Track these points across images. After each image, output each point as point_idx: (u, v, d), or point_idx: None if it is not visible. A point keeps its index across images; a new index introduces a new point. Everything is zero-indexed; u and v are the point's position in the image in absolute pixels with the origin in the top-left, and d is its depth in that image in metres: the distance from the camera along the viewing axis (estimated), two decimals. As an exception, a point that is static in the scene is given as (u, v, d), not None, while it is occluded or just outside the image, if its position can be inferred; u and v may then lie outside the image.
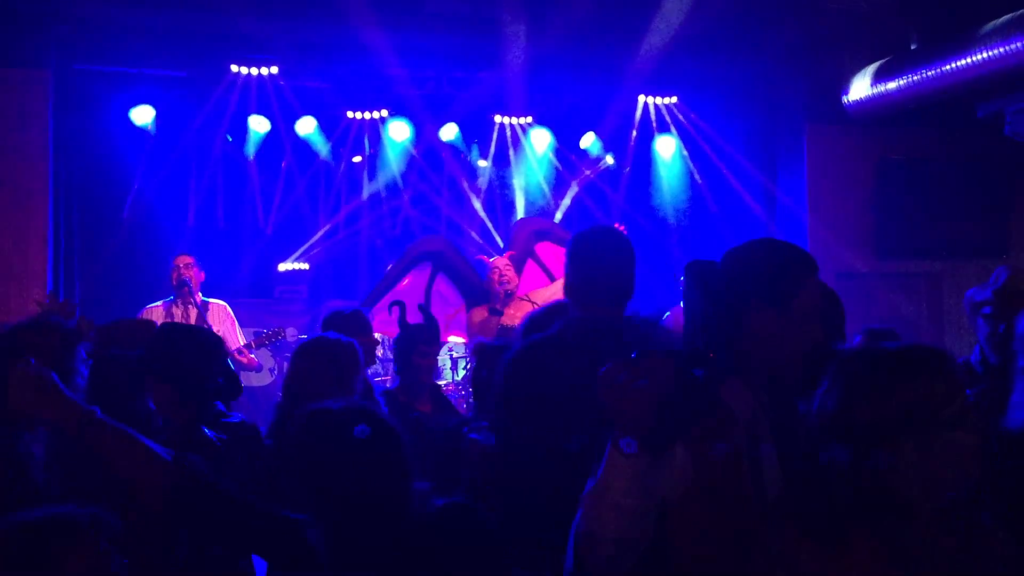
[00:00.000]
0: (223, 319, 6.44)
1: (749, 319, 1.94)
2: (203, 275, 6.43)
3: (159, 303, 6.40)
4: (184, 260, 6.35)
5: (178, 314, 6.34)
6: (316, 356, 3.14)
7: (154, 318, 6.28)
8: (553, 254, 6.74)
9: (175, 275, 6.29)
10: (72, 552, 1.65)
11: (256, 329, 7.40)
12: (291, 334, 6.82)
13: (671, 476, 1.81)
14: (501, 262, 6.08)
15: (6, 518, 1.70)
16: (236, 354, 6.18)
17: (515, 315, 5.55)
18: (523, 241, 6.79)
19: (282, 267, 8.18)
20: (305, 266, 8.24)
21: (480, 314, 5.97)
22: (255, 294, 8.08)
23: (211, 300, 6.44)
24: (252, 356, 6.46)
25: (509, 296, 5.91)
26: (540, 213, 8.35)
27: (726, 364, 1.93)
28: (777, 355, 1.95)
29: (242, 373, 6.59)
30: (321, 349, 3.17)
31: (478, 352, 3.55)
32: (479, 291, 6.32)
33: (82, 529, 1.68)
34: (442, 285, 6.52)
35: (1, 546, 1.65)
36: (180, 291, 6.30)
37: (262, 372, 6.90)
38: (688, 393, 1.81)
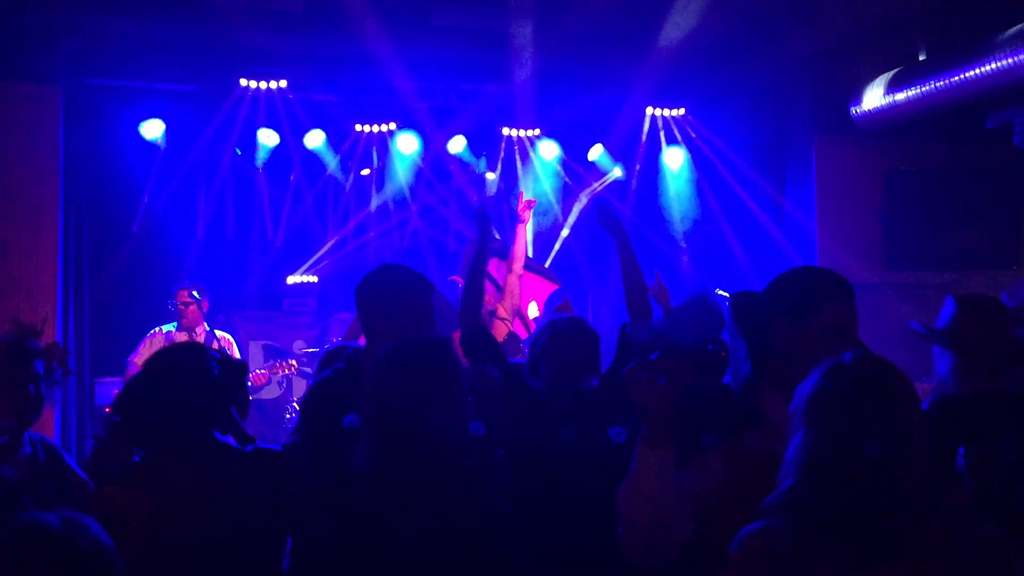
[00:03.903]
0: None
1: (772, 330, 2.07)
2: (207, 304, 6.42)
3: (171, 328, 6.41)
4: (183, 297, 6.34)
5: (183, 339, 6.37)
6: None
7: (160, 344, 6.33)
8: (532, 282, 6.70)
9: (180, 310, 6.34)
10: (45, 559, 1.62)
11: (266, 342, 7.41)
12: (298, 347, 6.82)
13: (704, 477, 1.96)
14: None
15: None
16: None
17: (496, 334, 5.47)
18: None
19: (291, 280, 8.19)
20: (314, 278, 8.25)
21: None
22: (264, 306, 8.11)
23: (217, 332, 6.36)
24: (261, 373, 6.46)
25: (491, 316, 5.83)
26: (549, 225, 8.36)
27: (760, 375, 2.07)
28: (802, 370, 1.98)
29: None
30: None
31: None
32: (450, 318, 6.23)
33: (54, 535, 1.65)
34: None
35: None
36: (182, 325, 6.36)
37: (271, 385, 6.91)
38: (716, 400, 1.93)
